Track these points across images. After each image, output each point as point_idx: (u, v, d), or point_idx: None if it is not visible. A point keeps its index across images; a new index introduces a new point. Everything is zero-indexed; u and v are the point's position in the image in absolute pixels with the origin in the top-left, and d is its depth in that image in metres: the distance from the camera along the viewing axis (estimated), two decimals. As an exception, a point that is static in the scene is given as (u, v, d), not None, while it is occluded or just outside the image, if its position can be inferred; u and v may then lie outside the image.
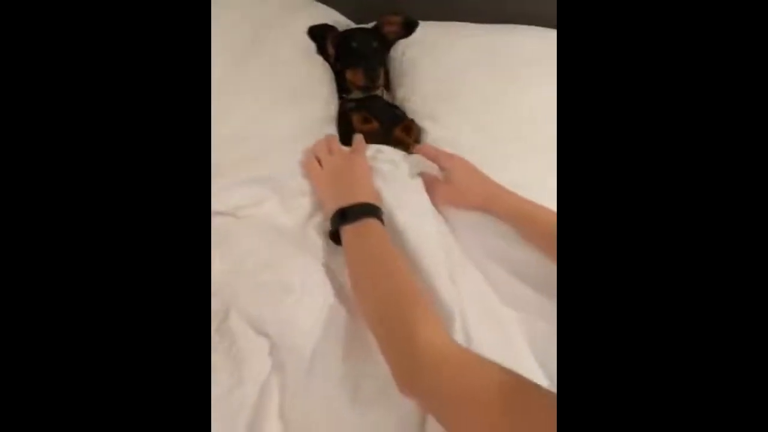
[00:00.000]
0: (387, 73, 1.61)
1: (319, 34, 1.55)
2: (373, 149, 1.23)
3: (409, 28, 1.63)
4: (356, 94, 1.56)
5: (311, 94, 1.43)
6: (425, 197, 1.17)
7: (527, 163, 1.35)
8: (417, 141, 1.43)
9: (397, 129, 1.43)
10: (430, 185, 1.20)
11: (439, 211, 1.18)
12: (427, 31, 1.63)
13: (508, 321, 1.01)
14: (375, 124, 1.43)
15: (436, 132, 1.44)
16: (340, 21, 1.68)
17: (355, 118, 1.46)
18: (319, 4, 1.69)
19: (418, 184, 1.19)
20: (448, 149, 1.28)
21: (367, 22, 1.67)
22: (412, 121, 1.48)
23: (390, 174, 1.17)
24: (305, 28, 1.53)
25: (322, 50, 1.55)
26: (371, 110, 1.49)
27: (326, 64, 1.55)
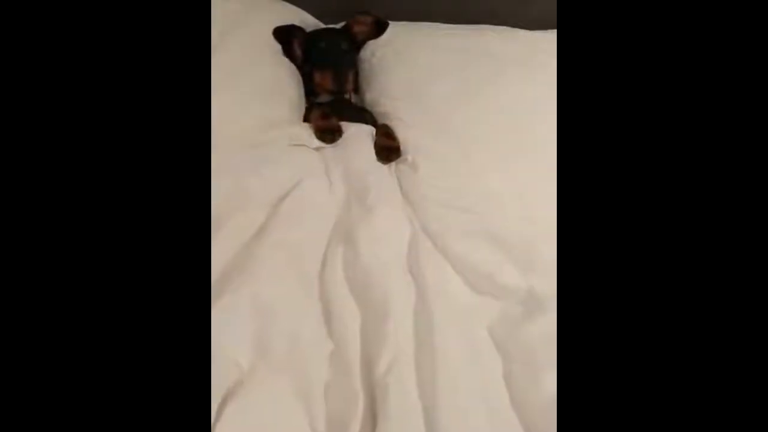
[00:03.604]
0: (357, 76, 1.61)
1: (285, 35, 1.54)
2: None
3: (379, 29, 1.63)
4: (324, 98, 1.55)
5: (276, 96, 1.42)
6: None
7: (503, 171, 1.35)
8: (398, 151, 1.40)
9: (378, 136, 1.41)
10: None
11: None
12: (397, 31, 1.64)
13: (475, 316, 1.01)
14: (335, 121, 1.40)
15: (405, 136, 1.43)
16: (307, 21, 1.68)
17: (314, 115, 1.43)
18: (286, 4, 1.69)
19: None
20: (418, 153, 1.31)
21: (336, 23, 1.67)
22: (387, 126, 1.46)
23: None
24: (271, 28, 1.53)
25: (288, 52, 1.54)
26: (339, 114, 1.47)
27: (293, 67, 1.55)
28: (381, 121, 1.51)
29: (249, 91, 1.34)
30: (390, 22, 1.64)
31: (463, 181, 1.32)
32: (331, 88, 1.51)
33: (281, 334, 0.89)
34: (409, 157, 1.36)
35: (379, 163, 1.36)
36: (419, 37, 1.62)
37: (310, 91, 1.55)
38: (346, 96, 1.57)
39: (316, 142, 1.36)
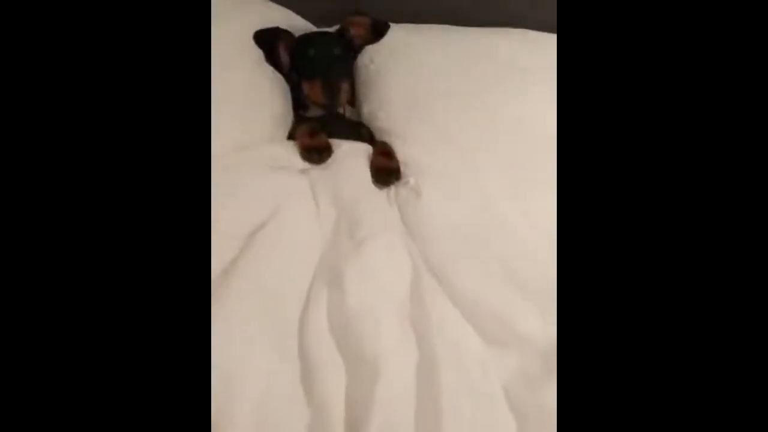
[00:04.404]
0: (353, 86, 1.46)
1: (268, 39, 1.40)
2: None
3: (378, 32, 1.48)
4: (315, 111, 1.41)
5: (254, 109, 1.29)
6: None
7: (521, 196, 1.23)
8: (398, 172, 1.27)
9: (374, 155, 1.29)
10: None
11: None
12: (398, 35, 1.48)
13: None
14: (323, 138, 1.27)
15: (406, 155, 1.30)
16: (296, 24, 1.53)
17: (300, 131, 1.30)
18: (272, 4, 1.54)
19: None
20: (421, 175, 1.22)
21: (329, 26, 1.53)
22: (385, 143, 1.33)
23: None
24: (251, 31, 1.39)
25: (272, 59, 1.40)
26: (329, 130, 1.33)
27: (279, 76, 1.41)
28: (379, 137, 1.38)
29: (219, 104, 1.18)
30: (391, 24, 1.49)
31: (474, 208, 1.21)
32: (322, 100, 1.36)
33: (247, 401, 0.79)
34: (411, 180, 1.25)
35: (374, 188, 1.25)
36: (423, 40, 1.46)
37: (299, 104, 1.42)
38: (340, 109, 1.42)
39: (302, 163, 1.24)
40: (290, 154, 1.25)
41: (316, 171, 1.23)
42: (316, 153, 1.23)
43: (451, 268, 1.05)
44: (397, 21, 1.49)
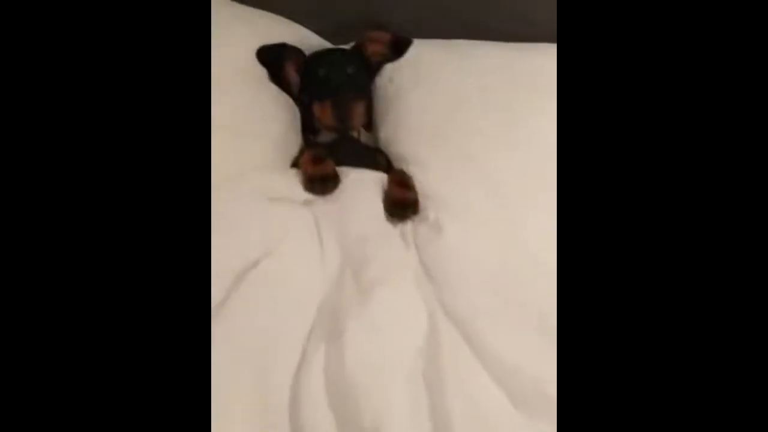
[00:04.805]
0: (370, 108, 1.34)
1: (273, 57, 1.31)
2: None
3: (398, 49, 1.37)
4: (327, 136, 1.31)
5: (251, 133, 1.18)
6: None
7: (553, 235, 1.08)
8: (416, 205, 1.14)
9: (390, 185, 1.17)
10: None
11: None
12: (420, 51, 1.38)
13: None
14: (330, 166, 1.15)
15: (426, 185, 1.19)
16: (308, 41, 1.43)
17: (304, 158, 1.18)
18: (281, 18, 1.44)
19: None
20: (444, 209, 1.11)
21: (345, 42, 1.43)
22: (402, 172, 1.21)
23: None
24: (255, 47, 1.30)
25: (277, 78, 1.31)
26: (341, 156, 1.21)
27: (285, 97, 1.31)
28: (397, 164, 1.26)
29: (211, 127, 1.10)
30: (414, 39, 1.38)
31: (506, 248, 1.09)
32: (332, 123, 1.25)
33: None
34: (431, 215, 1.13)
35: (388, 223, 1.13)
36: (448, 57, 1.35)
37: (310, 129, 1.31)
38: (354, 133, 1.31)
39: (305, 194, 1.12)
40: (291, 183, 1.13)
41: (321, 203, 1.12)
42: (320, 182, 1.11)
43: (478, 322, 0.94)
44: (420, 36, 1.39)
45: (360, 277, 0.98)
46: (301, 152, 1.25)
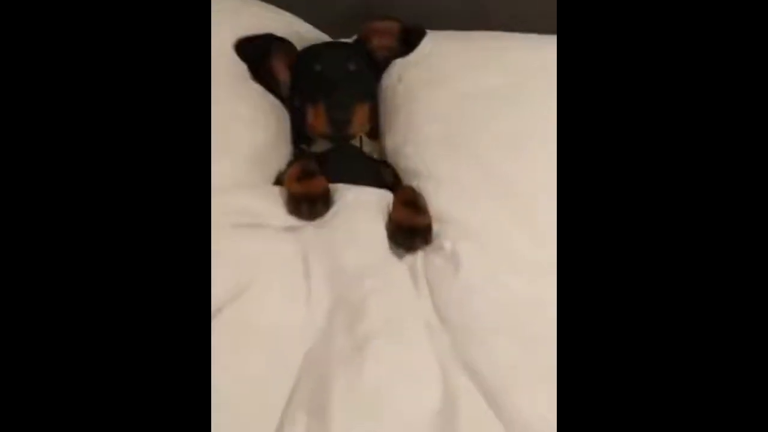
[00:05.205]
0: (375, 112, 1.17)
1: (256, 50, 1.14)
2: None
3: (409, 41, 1.20)
4: (320, 145, 1.14)
5: (224, 143, 1.00)
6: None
7: None
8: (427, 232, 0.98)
9: (396, 207, 1.01)
10: None
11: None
12: (435, 44, 1.21)
13: None
14: (320, 182, 1.00)
15: (442, 206, 1.03)
16: (305, 34, 1.27)
17: (290, 173, 1.03)
18: (271, 6, 1.29)
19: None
20: (462, 237, 0.98)
21: (347, 35, 1.27)
22: (411, 190, 1.04)
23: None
24: (235, 39, 1.14)
25: (260, 75, 1.14)
26: (338, 170, 1.05)
27: (271, 99, 1.15)
28: (407, 180, 1.10)
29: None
30: (427, 31, 1.21)
31: (539, 288, 0.92)
32: (326, 129, 1.08)
33: None
34: (447, 244, 0.97)
35: (393, 255, 0.98)
36: (466, 51, 1.19)
37: (302, 137, 1.15)
38: (354, 142, 1.14)
39: (288, 219, 0.96)
40: (271, 205, 0.97)
41: (310, 230, 0.96)
42: (307, 203, 0.95)
43: (505, 379, 0.83)
44: (433, 27, 1.22)
45: (355, 326, 0.84)
46: (290, 166, 1.08)
